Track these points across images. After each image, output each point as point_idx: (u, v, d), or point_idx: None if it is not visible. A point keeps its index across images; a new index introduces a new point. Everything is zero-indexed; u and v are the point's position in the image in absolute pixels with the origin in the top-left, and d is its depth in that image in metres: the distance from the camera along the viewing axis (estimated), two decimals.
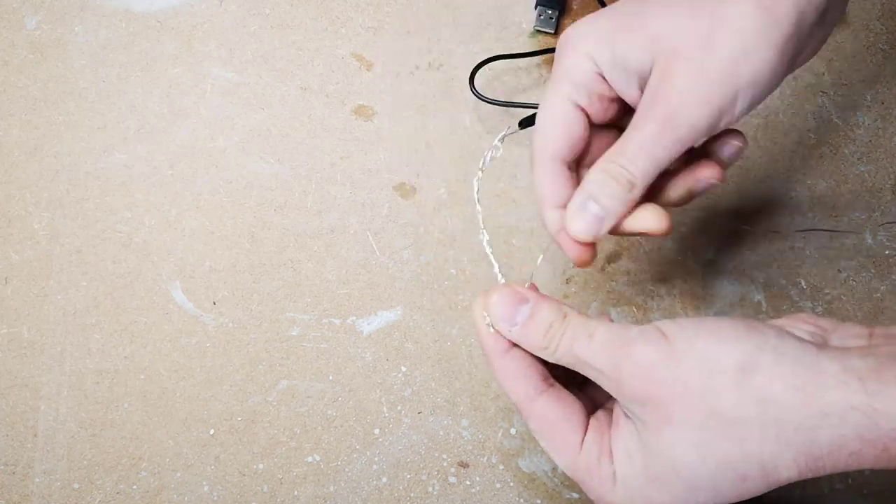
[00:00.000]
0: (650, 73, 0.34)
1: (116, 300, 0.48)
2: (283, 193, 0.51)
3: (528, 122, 0.48)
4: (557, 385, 0.35)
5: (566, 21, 0.55)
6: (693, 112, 0.33)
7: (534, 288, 0.37)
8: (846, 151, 0.52)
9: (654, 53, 0.34)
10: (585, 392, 0.37)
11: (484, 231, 0.39)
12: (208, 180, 0.51)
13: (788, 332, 0.31)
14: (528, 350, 0.35)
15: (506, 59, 0.52)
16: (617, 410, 0.34)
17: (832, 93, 0.53)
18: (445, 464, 0.46)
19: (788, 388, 0.29)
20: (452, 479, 0.46)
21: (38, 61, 0.53)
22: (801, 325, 0.35)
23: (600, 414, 0.36)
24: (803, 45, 0.34)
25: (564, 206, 0.37)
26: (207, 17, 0.54)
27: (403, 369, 0.48)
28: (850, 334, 0.34)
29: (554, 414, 0.34)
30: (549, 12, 0.54)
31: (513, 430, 0.47)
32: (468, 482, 0.46)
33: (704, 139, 0.36)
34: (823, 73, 0.53)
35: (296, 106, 0.52)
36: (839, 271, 0.49)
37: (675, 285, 0.49)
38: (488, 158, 0.40)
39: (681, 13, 0.33)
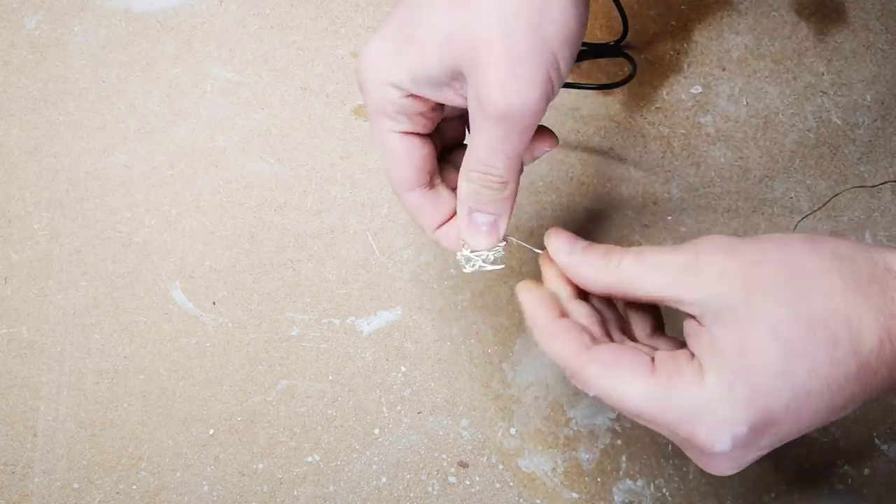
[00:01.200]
0: (461, 73, 0.32)
1: (116, 300, 0.48)
2: (283, 193, 0.51)
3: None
4: (607, 339, 0.35)
5: None
6: (523, 97, 0.31)
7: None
8: (846, 151, 0.52)
9: (453, 57, 0.32)
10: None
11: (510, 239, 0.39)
12: (208, 180, 0.51)
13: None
14: (588, 272, 0.34)
15: None
16: (688, 327, 0.33)
17: (832, 93, 0.53)
18: (445, 464, 0.46)
19: (853, 247, 0.31)
20: (452, 479, 0.46)
21: (38, 61, 0.53)
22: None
23: (660, 351, 0.34)
24: None
25: (448, 219, 0.37)
26: (207, 17, 0.54)
27: (403, 369, 0.48)
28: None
29: (614, 351, 0.33)
30: None
31: (513, 430, 0.47)
32: (468, 482, 0.46)
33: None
34: (823, 74, 0.53)
35: (296, 106, 0.52)
36: None
37: None
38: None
39: (458, 4, 0.31)
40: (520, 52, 0.31)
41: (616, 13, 0.50)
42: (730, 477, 0.46)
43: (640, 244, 0.50)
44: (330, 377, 0.48)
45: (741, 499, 0.46)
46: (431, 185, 0.37)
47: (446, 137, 0.39)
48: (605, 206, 0.50)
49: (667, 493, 0.46)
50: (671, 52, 0.54)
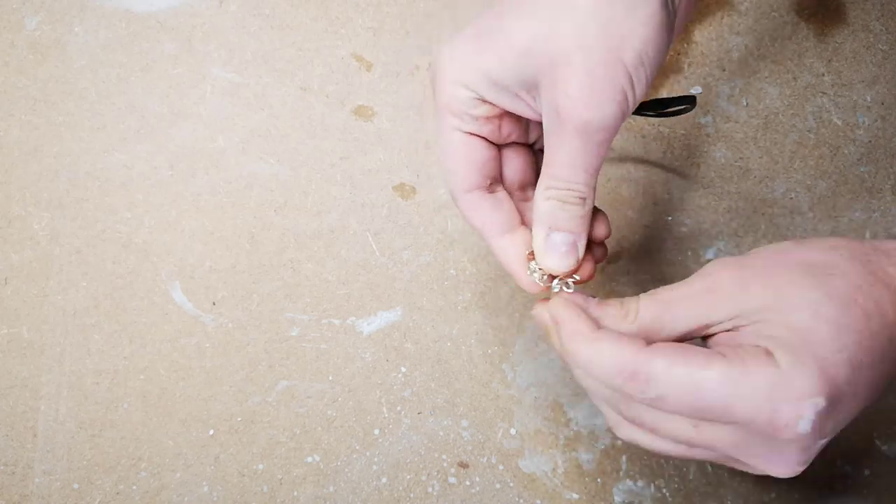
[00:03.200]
0: (537, 86, 0.33)
1: (116, 300, 0.48)
2: (283, 194, 0.51)
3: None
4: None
5: None
6: (602, 112, 0.32)
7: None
8: (846, 151, 0.52)
9: (532, 68, 0.33)
10: None
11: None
12: (208, 181, 0.51)
13: None
14: (610, 326, 0.34)
15: None
16: (719, 344, 0.33)
17: (832, 93, 0.53)
18: (445, 464, 0.46)
19: (839, 238, 0.33)
20: (452, 480, 0.46)
21: (38, 61, 0.53)
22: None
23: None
24: (674, 6, 0.34)
25: (508, 231, 0.37)
26: (207, 17, 0.54)
27: (403, 370, 0.48)
28: None
29: (676, 345, 0.32)
30: None
31: (513, 431, 0.47)
32: (468, 482, 0.46)
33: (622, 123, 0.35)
34: (823, 74, 0.53)
35: (296, 106, 0.52)
36: None
37: None
38: None
39: (543, 18, 0.32)
40: (598, 69, 0.32)
41: None
42: (730, 477, 0.46)
43: (640, 244, 0.50)
44: (330, 377, 0.48)
45: (741, 499, 0.46)
46: (491, 190, 0.37)
47: (512, 171, 0.39)
48: (605, 206, 0.50)
49: (667, 494, 0.46)
50: (671, 53, 0.54)
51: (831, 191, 0.51)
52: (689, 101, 0.45)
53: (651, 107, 0.46)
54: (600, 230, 0.38)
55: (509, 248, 0.37)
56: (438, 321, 0.49)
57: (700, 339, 0.34)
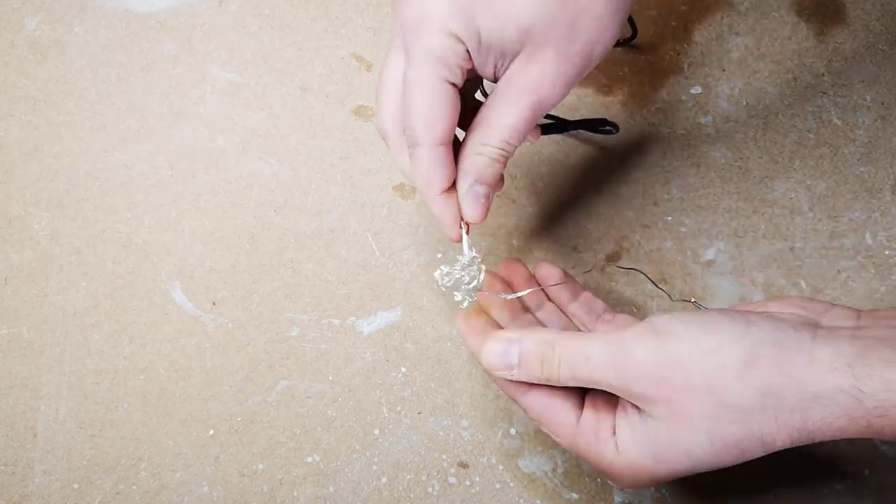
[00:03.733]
0: (513, 55, 0.35)
1: (116, 300, 0.48)
2: (283, 194, 0.51)
3: (548, 130, 0.48)
4: None
5: None
6: (557, 93, 0.36)
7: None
8: (846, 151, 0.52)
9: (523, 43, 0.35)
10: None
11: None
12: (208, 181, 0.51)
13: (784, 321, 0.34)
14: (529, 376, 0.38)
15: None
16: (622, 400, 0.37)
17: (832, 93, 0.53)
18: (445, 464, 0.46)
19: (786, 377, 0.33)
20: (452, 480, 0.46)
21: (38, 61, 0.53)
22: (794, 308, 0.37)
23: (596, 395, 0.38)
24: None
25: (445, 187, 0.38)
26: (207, 17, 0.54)
27: (403, 370, 0.48)
28: (839, 316, 0.36)
29: (546, 401, 0.38)
30: None
31: (513, 431, 0.47)
32: (468, 482, 0.46)
33: None
34: (823, 74, 0.53)
35: (296, 106, 0.52)
36: (839, 271, 0.49)
37: (674, 286, 0.49)
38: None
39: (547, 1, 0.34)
40: (575, 58, 0.35)
41: None
42: (730, 478, 0.46)
43: (640, 244, 0.50)
44: (330, 377, 0.48)
45: (741, 499, 0.46)
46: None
47: None
48: (606, 206, 0.50)
49: (667, 494, 0.46)
50: (671, 53, 0.54)
51: (831, 191, 0.51)
52: (613, 126, 0.48)
53: (578, 125, 0.49)
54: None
55: (451, 206, 0.39)
56: (438, 321, 0.49)
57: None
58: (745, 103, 0.52)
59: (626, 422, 0.36)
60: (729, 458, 0.34)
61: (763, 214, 0.51)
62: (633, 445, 0.35)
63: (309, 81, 0.53)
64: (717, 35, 0.54)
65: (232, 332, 0.48)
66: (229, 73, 0.53)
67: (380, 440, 0.47)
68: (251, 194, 0.51)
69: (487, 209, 0.38)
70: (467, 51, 0.35)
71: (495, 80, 0.37)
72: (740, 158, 0.51)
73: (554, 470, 0.46)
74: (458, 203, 0.38)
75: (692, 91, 0.52)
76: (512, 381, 0.38)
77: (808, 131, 0.52)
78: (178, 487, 0.46)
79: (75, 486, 0.45)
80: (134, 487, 0.46)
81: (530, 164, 0.51)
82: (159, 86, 0.53)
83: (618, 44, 0.53)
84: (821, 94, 0.53)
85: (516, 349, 0.38)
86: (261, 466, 0.46)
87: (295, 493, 0.46)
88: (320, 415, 0.47)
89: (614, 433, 0.36)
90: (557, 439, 0.38)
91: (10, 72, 0.52)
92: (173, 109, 0.52)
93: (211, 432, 0.47)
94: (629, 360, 0.34)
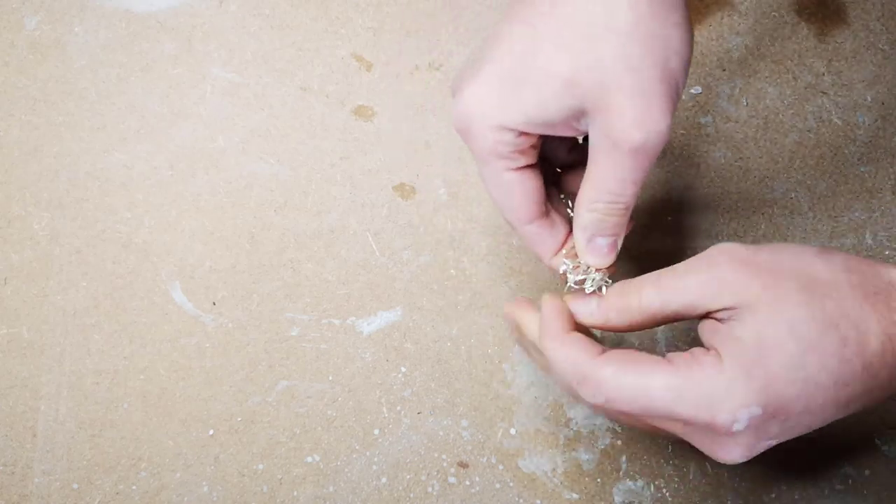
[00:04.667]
0: (585, 113, 0.33)
1: (116, 300, 0.48)
2: (283, 194, 0.51)
3: None
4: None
5: None
6: (656, 128, 0.33)
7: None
8: (846, 151, 0.52)
9: (578, 98, 0.33)
10: None
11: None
12: (208, 181, 0.51)
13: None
14: (614, 317, 0.36)
15: None
16: (705, 325, 0.35)
17: (832, 93, 0.53)
18: (445, 464, 0.46)
19: (862, 262, 0.34)
20: (452, 480, 0.46)
21: (38, 61, 0.53)
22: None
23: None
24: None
25: (562, 246, 0.39)
26: (207, 17, 0.54)
27: (403, 370, 0.48)
28: None
29: (627, 353, 0.34)
30: None
31: (513, 431, 0.47)
32: (468, 482, 0.46)
33: None
34: (823, 74, 0.53)
35: (296, 106, 0.52)
36: None
37: None
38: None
39: (579, 50, 0.32)
40: (651, 86, 0.32)
41: None
42: (730, 477, 0.46)
43: (640, 244, 0.50)
44: (330, 377, 0.48)
45: (741, 499, 0.46)
46: (547, 213, 0.38)
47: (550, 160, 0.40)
48: None
49: (667, 494, 0.46)
50: None
51: (831, 191, 0.51)
52: None
53: None
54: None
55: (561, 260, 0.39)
56: (438, 321, 0.49)
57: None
58: (745, 103, 0.52)
59: (716, 333, 0.33)
60: (830, 345, 0.32)
61: (763, 214, 0.51)
62: (731, 341, 0.32)
63: (309, 81, 0.53)
64: (717, 35, 0.54)
65: (232, 332, 0.48)
66: (229, 73, 0.53)
67: (380, 440, 0.47)
68: (251, 194, 0.51)
69: (614, 254, 0.37)
70: (522, 133, 0.35)
71: (585, 136, 0.36)
72: (740, 158, 0.51)
73: (554, 470, 0.46)
74: (577, 253, 0.37)
75: (692, 91, 0.52)
76: (584, 349, 0.34)
77: (808, 131, 0.52)
78: (178, 487, 0.46)
79: (75, 486, 0.45)
80: (134, 487, 0.46)
81: None
82: (159, 86, 0.53)
83: None
84: (821, 94, 0.53)
85: (596, 297, 0.37)
86: (261, 466, 0.46)
87: (295, 493, 0.46)
88: (320, 415, 0.47)
89: (709, 350, 0.33)
90: (649, 380, 0.33)
91: (10, 72, 0.53)
92: (173, 109, 0.52)
93: (211, 432, 0.47)
94: (721, 258, 0.34)
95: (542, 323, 0.36)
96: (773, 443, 0.33)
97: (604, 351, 0.34)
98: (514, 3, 0.35)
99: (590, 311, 0.37)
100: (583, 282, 0.38)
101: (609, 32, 0.32)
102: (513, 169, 0.36)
